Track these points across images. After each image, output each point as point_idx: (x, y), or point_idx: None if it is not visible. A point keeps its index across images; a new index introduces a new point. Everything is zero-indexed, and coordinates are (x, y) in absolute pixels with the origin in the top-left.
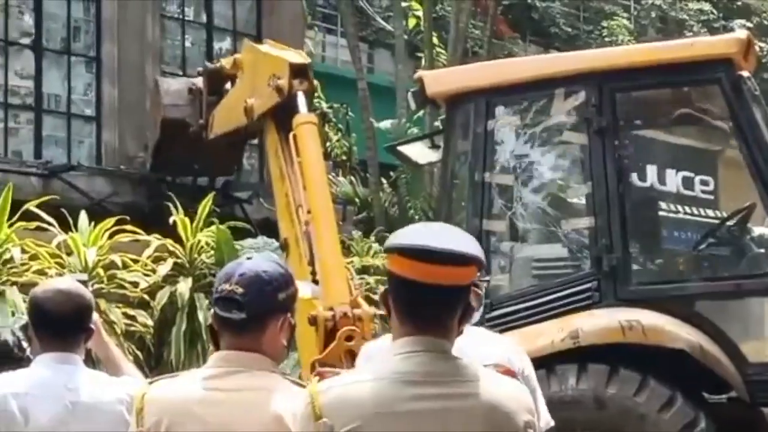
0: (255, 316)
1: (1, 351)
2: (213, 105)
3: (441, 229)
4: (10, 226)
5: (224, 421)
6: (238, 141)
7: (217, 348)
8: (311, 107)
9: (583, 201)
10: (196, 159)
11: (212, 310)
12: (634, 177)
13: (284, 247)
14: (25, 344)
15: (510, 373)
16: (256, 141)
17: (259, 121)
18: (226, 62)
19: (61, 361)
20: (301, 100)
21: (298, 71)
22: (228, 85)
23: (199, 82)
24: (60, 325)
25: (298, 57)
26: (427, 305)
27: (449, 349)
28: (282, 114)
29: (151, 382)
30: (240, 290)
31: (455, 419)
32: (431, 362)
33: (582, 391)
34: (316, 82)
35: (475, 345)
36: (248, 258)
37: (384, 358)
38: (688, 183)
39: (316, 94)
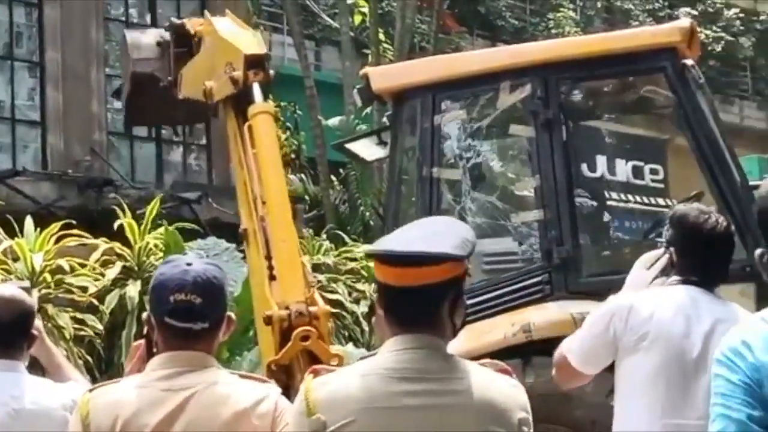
0: (214, 324)
1: None
2: (181, 59)
3: (424, 227)
4: None
5: (187, 419)
6: None
7: (149, 353)
8: (267, 96)
9: (532, 194)
10: (169, 108)
11: (152, 318)
12: (582, 168)
13: (244, 237)
14: None
15: (506, 371)
16: (204, 142)
17: (218, 103)
18: (189, 24)
19: (4, 368)
20: (257, 90)
21: (253, 62)
22: (196, 40)
23: (167, 35)
24: (1, 331)
25: (255, 46)
26: (405, 306)
27: (441, 345)
28: (240, 101)
29: (92, 389)
30: (198, 300)
31: (447, 415)
32: (423, 359)
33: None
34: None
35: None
36: (188, 264)
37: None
38: (638, 172)
39: None
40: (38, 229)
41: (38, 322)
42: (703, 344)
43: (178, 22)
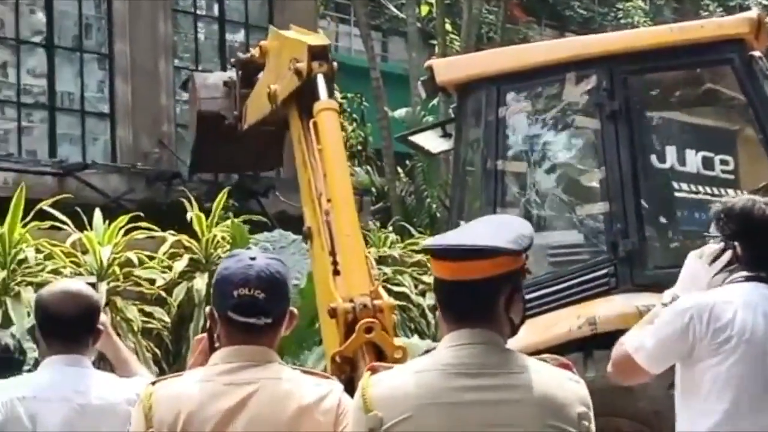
0: (277, 320)
1: (2, 356)
2: (246, 96)
3: (484, 223)
4: (24, 226)
5: (249, 414)
6: (277, 133)
7: (211, 347)
8: (332, 91)
9: (598, 186)
10: (236, 155)
11: (215, 313)
12: (648, 159)
13: (308, 236)
14: (31, 345)
15: (566, 365)
16: None
17: (283, 107)
18: (255, 51)
19: (69, 363)
20: (321, 83)
21: (317, 53)
22: (261, 75)
23: (234, 74)
24: (67, 326)
25: (318, 39)
26: (459, 300)
27: (499, 340)
28: (304, 99)
29: (154, 382)
30: (262, 295)
31: (505, 410)
32: (480, 354)
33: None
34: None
35: None
36: (252, 258)
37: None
38: (707, 163)
39: None
40: (107, 222)
41: (104, 317)
42: None
43: (244, 56)
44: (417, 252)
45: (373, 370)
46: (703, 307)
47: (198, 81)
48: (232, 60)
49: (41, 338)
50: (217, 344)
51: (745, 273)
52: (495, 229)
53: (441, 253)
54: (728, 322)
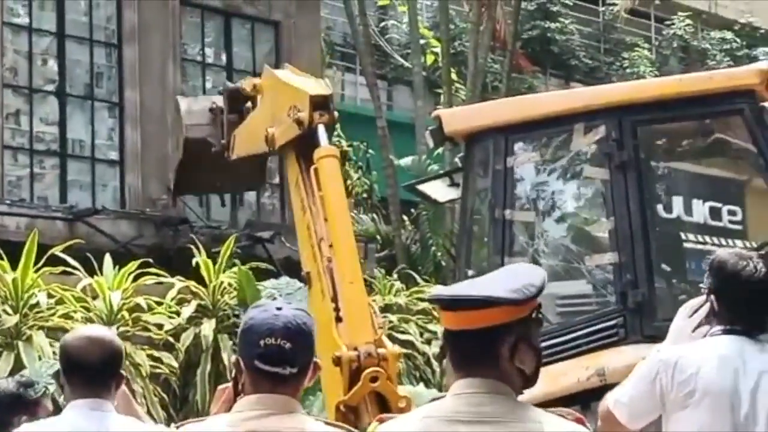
0: (302, 369)
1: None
2: (233, 124)
3: (498, 272)
4: (36, 271)
5: None
6: (261, 156)
7: (236, 395)
8: (332, 139)
9: (607, 236)
10: (219, 177)
11: (241, 360)
12: (658, 210)
13: (307, 281)
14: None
15: (580, 420)
16: (277, 180)
17: (280, 149)
18: (245, 84)
19: (93, 407)
20: (322, 132)
21: (318, 104)
22: (249, 104)
23: (220, 101)
24: (91, 371)
25: (319, 87)
26: (463, 349)
27: (504, 389)
28: (303, 145)
29: (178, 426)
30: (288, 345)
31: None
32: (484, 402)
33: None
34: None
35: None
36: (278, 308)
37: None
38: (715, 213)
39: (336, 133)
40: (117, 267)
41: None
42: (751, 400)
43: (233, 86)
44: (422, 300)
45: (381, 421)
46: (668, 362)
47: (183, 106)
48: (220, 88)
49: (66, 383)
50: (241, 395)
51: (721, 326)
52: (503, 279)
53: (443, 304)
54: (691, 376)
